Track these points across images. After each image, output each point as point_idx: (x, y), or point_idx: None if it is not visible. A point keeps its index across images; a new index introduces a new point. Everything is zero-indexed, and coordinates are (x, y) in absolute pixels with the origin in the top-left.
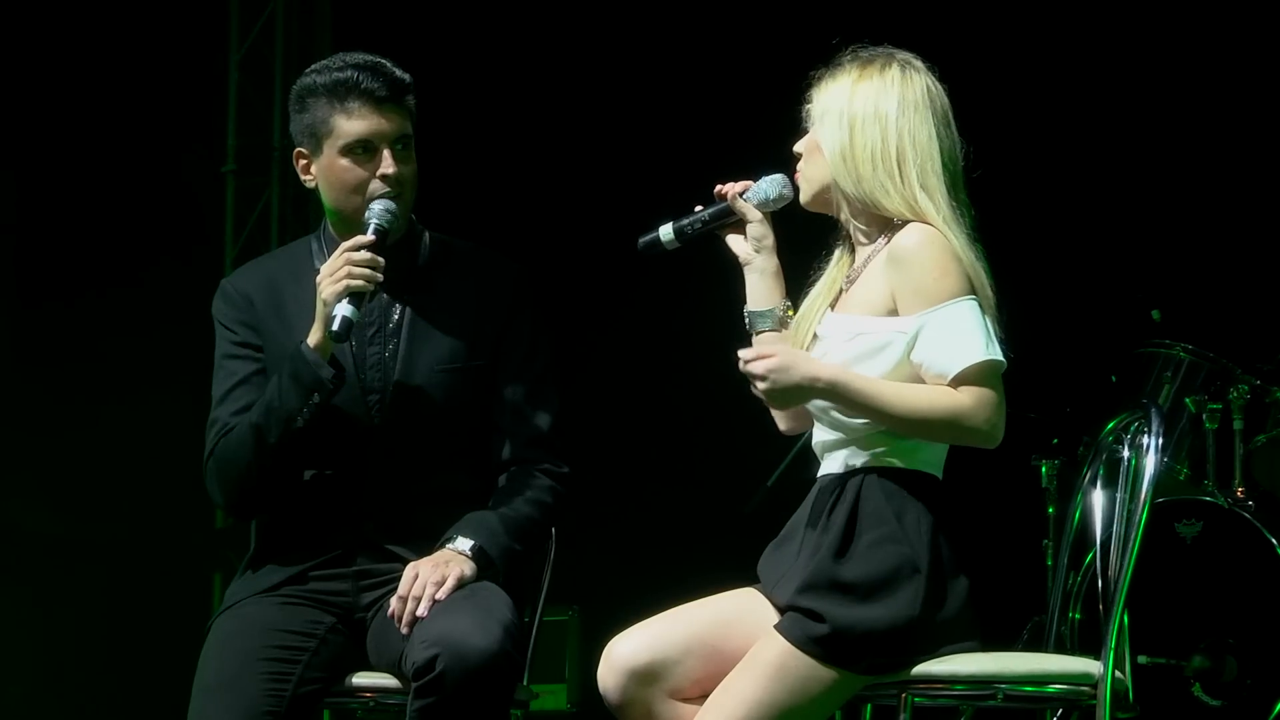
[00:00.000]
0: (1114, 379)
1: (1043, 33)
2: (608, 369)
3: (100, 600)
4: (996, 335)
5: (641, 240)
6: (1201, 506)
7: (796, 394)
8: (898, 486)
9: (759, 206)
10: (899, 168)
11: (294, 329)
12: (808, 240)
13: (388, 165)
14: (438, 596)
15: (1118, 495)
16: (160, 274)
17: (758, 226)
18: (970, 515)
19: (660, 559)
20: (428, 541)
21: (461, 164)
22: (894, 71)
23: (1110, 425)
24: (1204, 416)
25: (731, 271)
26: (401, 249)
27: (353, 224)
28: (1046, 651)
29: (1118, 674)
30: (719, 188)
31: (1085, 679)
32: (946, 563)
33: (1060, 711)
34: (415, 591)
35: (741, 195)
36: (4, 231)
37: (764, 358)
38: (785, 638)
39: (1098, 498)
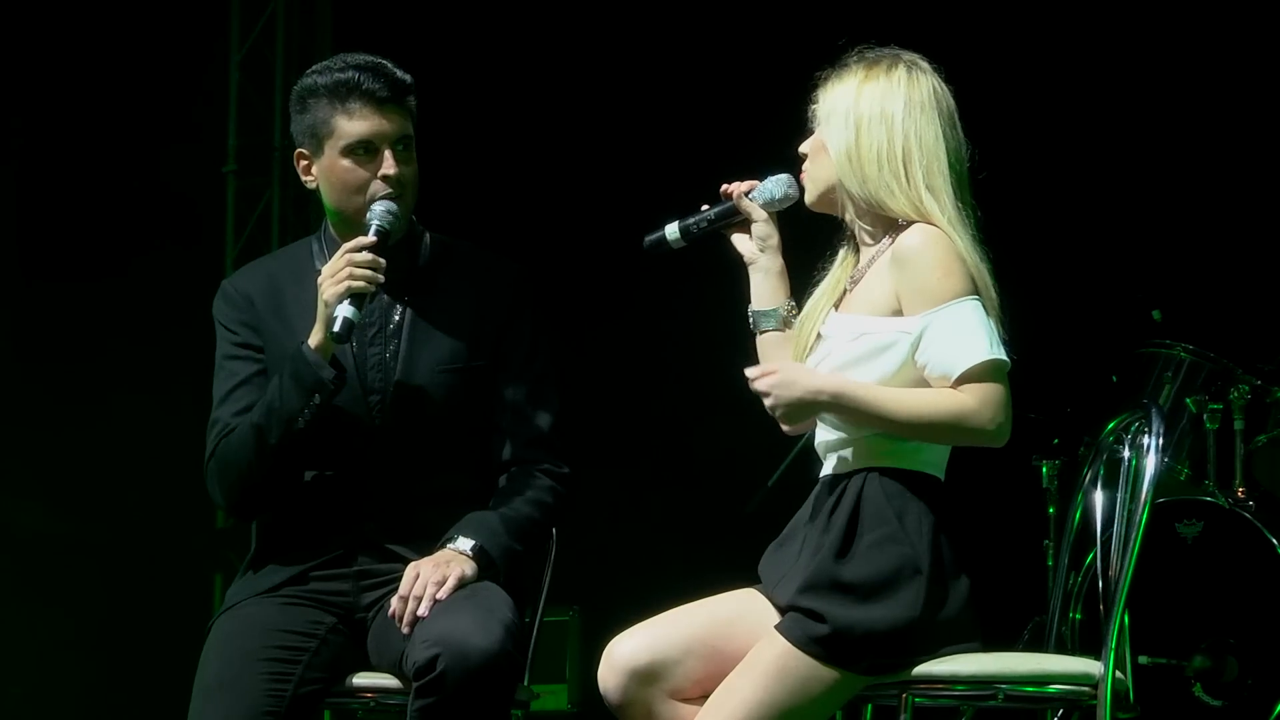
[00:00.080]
0: (1115, 379)
1: (1046, 35)
2: (608, 369)
3: (101, 600)
4: (1000, 336)
5: (647, 239)
6: (1202, 507)
7: (803, 408)
8: (899, 486)
9: (764, 206)
10: (905, 168)
11: (295, 330)
12: (812, 240)
13: (389, 166)
14: (439, 596)
15: (1118, 495)
16: (161, 274)
17: (763, 226)
18: (971, 515)
19: (661, 559)
20: (428, 541)
21: (462, 164)
22: (900, 72)
23: (1111, 425)
24: (1205, 417)
25: (732, 271)
26: (402, 250)
27: (354, 225)
28: (1047, 652)
29: (1118, 674)
30: (725, 187)
31: (1086, 679)
32: (947, 563)
33: (1061, 712)
34: (416, 591)
35: (747, 195)
36: (4, 231)
37: (766, 374)
38: (786, 638)
39: (1098, 498)
